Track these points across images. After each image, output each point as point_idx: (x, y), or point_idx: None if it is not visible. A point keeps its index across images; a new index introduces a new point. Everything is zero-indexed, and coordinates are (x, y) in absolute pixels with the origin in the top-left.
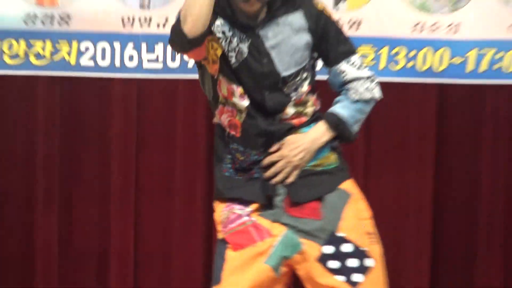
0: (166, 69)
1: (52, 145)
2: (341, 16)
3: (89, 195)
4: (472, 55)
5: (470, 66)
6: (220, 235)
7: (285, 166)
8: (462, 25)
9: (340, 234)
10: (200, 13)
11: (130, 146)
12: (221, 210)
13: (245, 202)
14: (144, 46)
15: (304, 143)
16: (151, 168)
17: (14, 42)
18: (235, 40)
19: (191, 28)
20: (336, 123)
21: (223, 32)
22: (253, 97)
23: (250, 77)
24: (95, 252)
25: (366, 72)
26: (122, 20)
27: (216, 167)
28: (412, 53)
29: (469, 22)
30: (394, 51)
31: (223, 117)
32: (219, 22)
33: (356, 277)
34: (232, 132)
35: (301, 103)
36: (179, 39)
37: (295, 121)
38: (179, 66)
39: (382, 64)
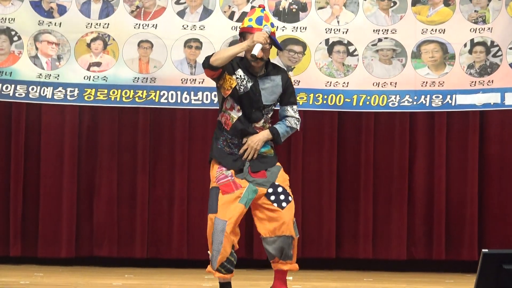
0: (203, 104)
1: (145, 148)
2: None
3: None
4: (355, 97)
5: (354, 103)
6: (214, 184)
7: (250, 150)
8: (349, 83)
9: (276, 183)
10: (221, 60)
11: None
12: (215, 170)
13: (228, 167)
14: (192, 93)
15: (259, 138)
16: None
17: (127, 90)
18: (245, 81)
19: (214, 61)
20: (274, 133)
21: (240, 76)
22: (245, 111)
23: (248, 101)
24: None
25: (297, 115)
26: (181, 80)
27: (214, 142)
28: (325, 96)
29: (352, 81)
30: (316, 95)
31: (222, 118)
32: (240, 71)
33: (283, 204)
34: (226, 127)
35: (265, 121)
36: (206, 63)
37: (259, 130)
38: (209, 103)
39: (310, 102)
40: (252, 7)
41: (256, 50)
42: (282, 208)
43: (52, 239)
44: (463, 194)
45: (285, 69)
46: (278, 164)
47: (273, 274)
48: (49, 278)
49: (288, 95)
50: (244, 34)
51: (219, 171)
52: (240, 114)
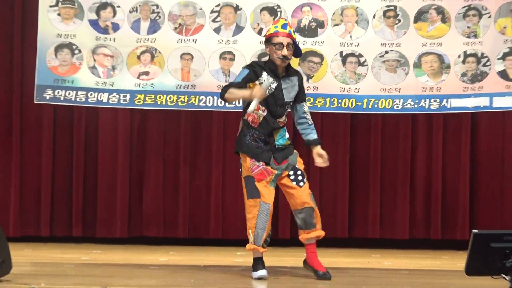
0: (236, 107)
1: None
2: (309, 84)
3: None
4: (365, 101)
5: (364, 106)
6: (249, 174)
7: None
8: (360, 89)
9: (296, 166)
10: (231, 100)
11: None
12: (249, 162)
13: (258, 159)
14: None
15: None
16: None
17: (171, 96)
18: (270, 82)
19: (227, 99)
20: (320, 142)
21: (264, 79)
22: (271, 109)
23: (273, 99)
24: None
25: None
26: (217, 86)
27: (241, 138)
28: (340, 100)
29: (363, 87)
30: (332, 99)
31: (249, 118)
32: (265, 75)
33: (301, 183)
34: (253, 125)
35: (285, 116)
36: (222, 95)
37: (281, 124)
38: (241, 106)
39: (327, 105)
40: (282, 18)
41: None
42: (300, 186)
43: (108, 222)
44: (457, 183)
45: (298, 71)
46: (295, 151)
47: (296, 251)
48: (106, 255)
49: (302, 92)
50: (270, 38)
51: (252, 163)
52: (265, 113)
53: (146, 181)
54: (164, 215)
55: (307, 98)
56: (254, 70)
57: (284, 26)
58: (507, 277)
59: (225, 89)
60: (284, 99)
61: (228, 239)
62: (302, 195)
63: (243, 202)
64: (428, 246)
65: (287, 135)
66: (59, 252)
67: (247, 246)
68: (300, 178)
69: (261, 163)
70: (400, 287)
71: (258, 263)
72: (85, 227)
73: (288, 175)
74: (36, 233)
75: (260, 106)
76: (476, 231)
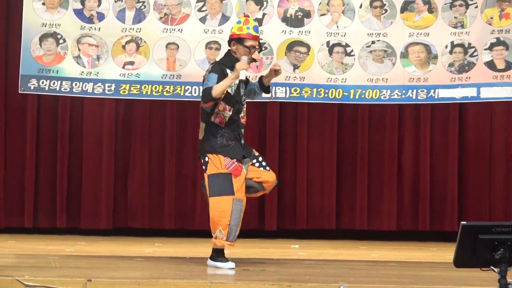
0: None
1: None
2: (296, 75)
3: None
4: (352, 91)
5: (351, 96)
6: (223, 171)
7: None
8: (347, 79)
9: (256, 154)
10: (221, 94)
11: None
12: (223, 160)
13: (232, 157)
14: None
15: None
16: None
17: (157, 86)
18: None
19: (216, 95)
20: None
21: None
22: (236, 107)
23: (238, 96)
24: None
25: None
26: (203, 76)
27: (211, 140)
28: (326, 91)
29: (350, 78)
30: (319, 90)
31: (216, 119)
32: (228, 71)
33: (267, 167)
34: (221, 125)
35: (244, 112)
36: (209, 97)
37: (243, 120)
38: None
39: (314, 95)
40: (245, 15)
41: (243, 75)
42: (268, 170)
43: (93, 213)
44: (445, 174)
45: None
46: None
47: (281, 242)
48: (90, 246)
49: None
50: (242, 40)
51: (226, 160)
52: (231, 112)
53: (131, 172)
54: (150, 206)
55: (294, 88)
56: (221, 70)
57: (255, 28)
58: (496, 269)
59: (207, 91)
60: (241, 94)
61: None
62: (272, 175)
63: None
64: (416, 238)
65: None
66: (43, 244)
67: (218, 242)
68: (264, 163)
69: (234, 159)
70: (387, 279)
71: (223, 255)
72: (69, 218)
73: (253, 164)
74: (20, 225)
75: (226, 106)
76: (464, 222)
